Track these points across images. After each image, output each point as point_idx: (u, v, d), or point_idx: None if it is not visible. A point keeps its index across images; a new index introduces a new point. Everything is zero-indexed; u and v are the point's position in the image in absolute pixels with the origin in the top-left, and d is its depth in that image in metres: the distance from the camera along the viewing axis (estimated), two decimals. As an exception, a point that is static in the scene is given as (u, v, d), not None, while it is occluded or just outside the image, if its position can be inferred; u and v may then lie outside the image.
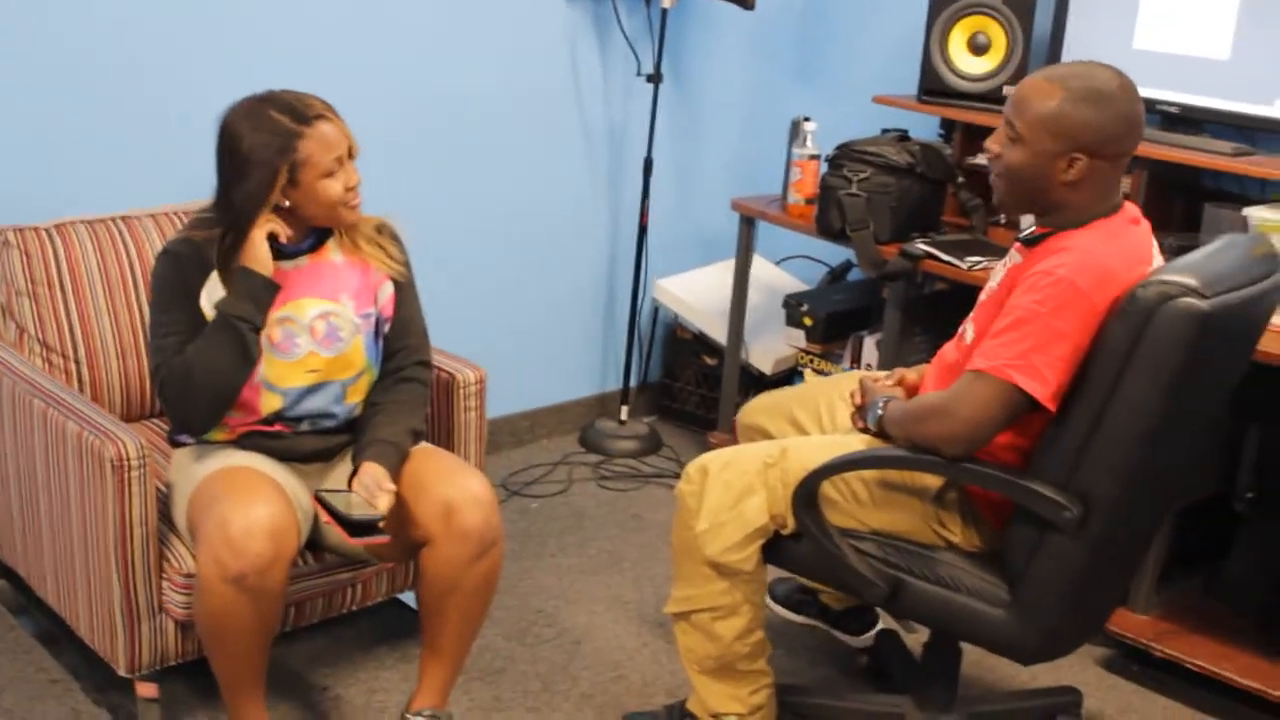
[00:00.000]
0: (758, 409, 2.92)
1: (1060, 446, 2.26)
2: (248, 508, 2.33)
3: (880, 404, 2.47)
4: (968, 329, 2.47)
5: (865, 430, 2.53)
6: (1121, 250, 2.29)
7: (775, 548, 2.51)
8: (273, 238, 2.46)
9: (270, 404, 2.53)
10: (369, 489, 2.44)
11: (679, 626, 2.59)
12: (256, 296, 2.44)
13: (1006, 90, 3.52)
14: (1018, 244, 2.46)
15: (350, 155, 2.48)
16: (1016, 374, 2.21)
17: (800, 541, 2.47)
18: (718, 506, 2.47)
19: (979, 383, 2.25)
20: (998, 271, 2.50)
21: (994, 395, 2.23)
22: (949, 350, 2.54)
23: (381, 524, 2.38)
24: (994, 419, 2.25)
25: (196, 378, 2.42)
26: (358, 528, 2.36)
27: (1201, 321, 2.11)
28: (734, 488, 2.47)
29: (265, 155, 2.38)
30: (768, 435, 2.82)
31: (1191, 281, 2.12)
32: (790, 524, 2.45)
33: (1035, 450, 2.32)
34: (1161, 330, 2.12)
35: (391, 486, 2.45)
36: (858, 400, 2.58)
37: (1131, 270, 2.26)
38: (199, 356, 2.42)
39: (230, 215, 2.43)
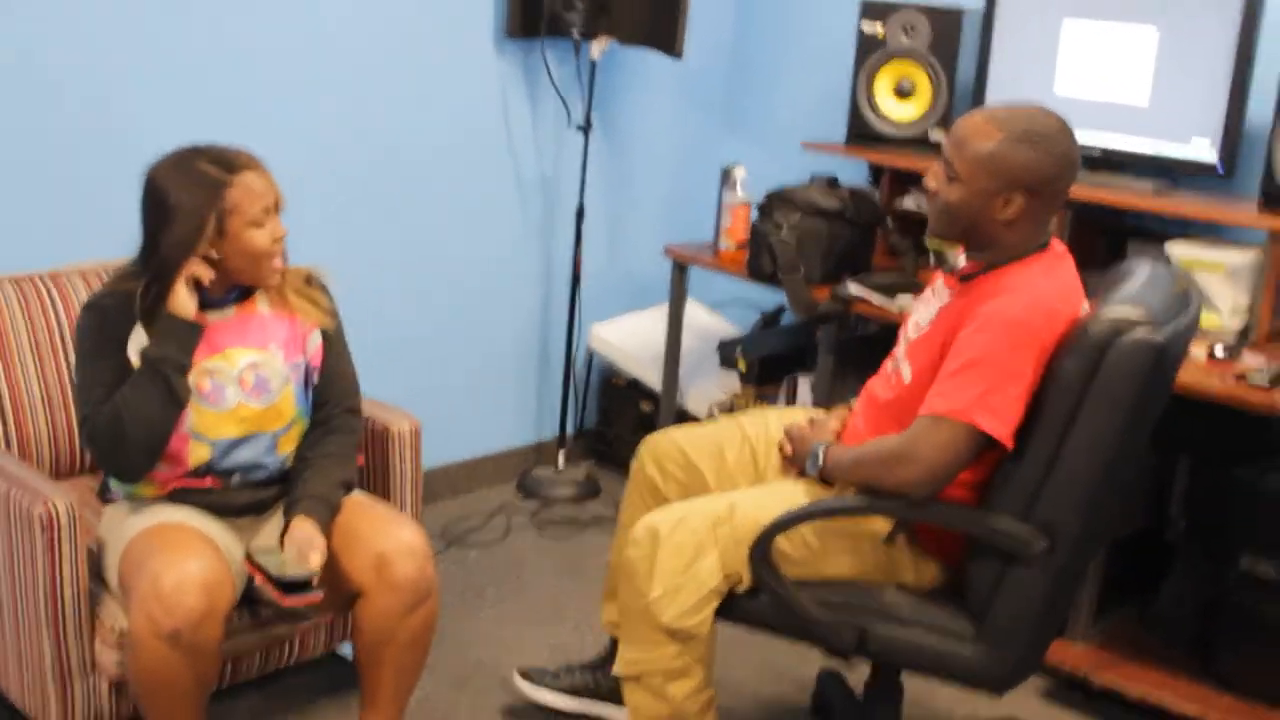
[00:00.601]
0: (684, 439, 2.79)
1: (1018, 481, 2.29)
2: (180, 563, 2.30)
3: (820, 451, 2.47)
4: (903, 367, 2.48)
5: (800, 477, 2.53)
6: (1059, 286, 2.34)
7: (730, 606, 2.46)
8: (200, 289, 2.44)
9: (199, 455, 2.51)
10: (300, 546, 2.42)
11: (628, 686, 2.54)
12: (180, 338, 2.41)
13: (934, 136, 3.60)
14: (947, 278, 2.49)
15: (277, 208, 2.47)
16: (978, 415, 2.24)
17: (757, 598, 2.44)
18: (670, 571, 2.41)
19: (940, 427, 2.27)
20: (924, 308, 2.52)
21: (957, 438, 2.26)
22: (880, 389, 2.55)
23: (314, 581, 2.36)
24: (958, 461, 2.28)
25: (126, 425, 2.39)
26: (290, 587, 2.35)
27: (1157, 353, 2.17)
28: (685, 550, 2.41)
29: (193, 204, 2.37)
30: (691, 466, 2.74)
31: (1140, 315, 2.18)
32: (746, 581, 2.43)
33: (991, 486, 2.35)
34: (1117, 364, 2.16)
35: (323, 543, 2.44)
36: (788, 450, 2.58)
37: (1068, 305, 2.31)
38: (126, 404, 2.39)
39: (155, 264, 2.41)
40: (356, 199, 3.63)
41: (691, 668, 2.47)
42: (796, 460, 2.56)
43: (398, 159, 3.71)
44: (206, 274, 2.43)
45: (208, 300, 2.48)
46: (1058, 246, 2.43)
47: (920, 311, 2.53)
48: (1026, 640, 2.38)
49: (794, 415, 2.78)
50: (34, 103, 3.00)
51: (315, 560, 2.39)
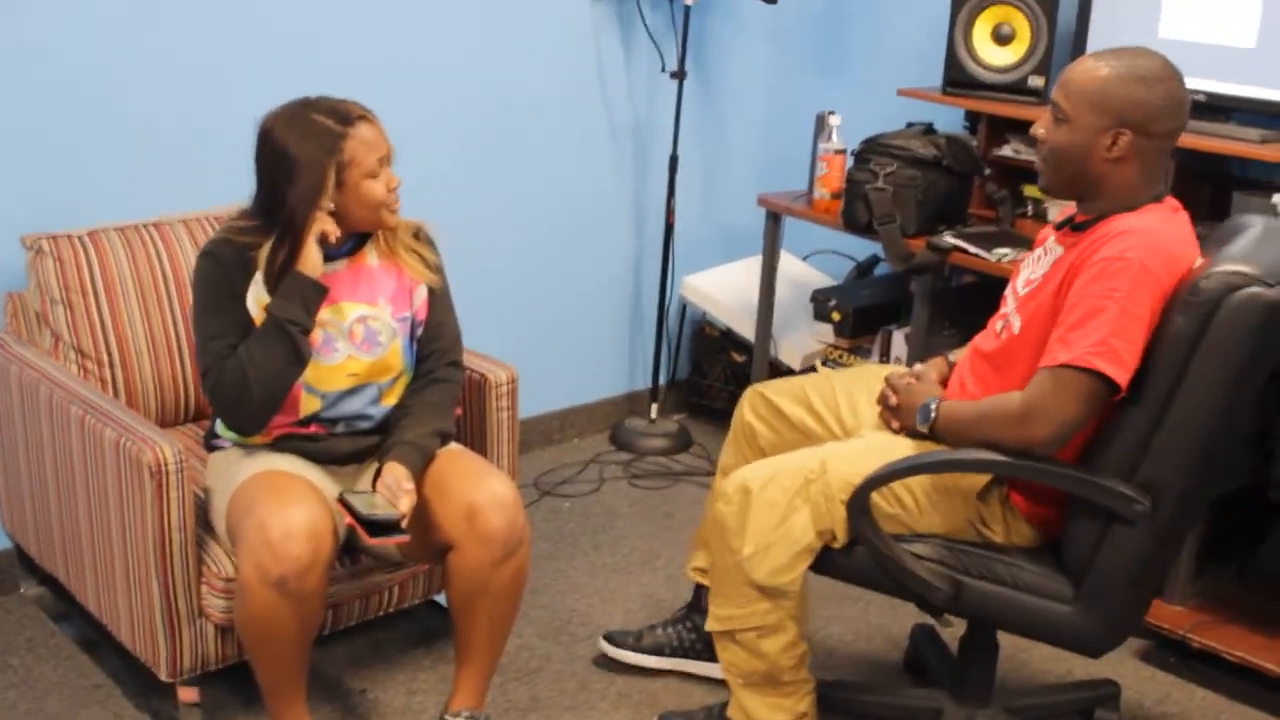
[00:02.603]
0: (776, 390, 2.81)
1: (1124, 439, 2.27)
2: (286, 511, 2.34)
3: (933, 405, 2.43)
4: (1013, 320, 2.44)
5: (903, 431, 2.50)
6: (1177, 234, 2.32)
7: (825, 561, 2.46)
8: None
9: (309, 406, 2.55)
10: (391, 489, 2.45)
11: (720, 642, 2.54)
12: (306, 299, 2.44)
13: (1033, 82, 3.53)
14: (1059, 232, 2.46)
15: (389, 158, 2.49)
16: (1098, 360, 2.21)
17: (851, 553, 2.43)
18: (763, 528, 2.41)
19: (1063, 377, 2.23)
20: (1034, 263, 2.49)
21: (1083, 388, 2.23)
22: (984, 343, 2.52)
23: (402, 524, 2.39)
24: (1087, 413, 2.25)
25: (251, 381, 2.43)
26: (377, 527, 2.38)
27: (1269, 310, 2.14)
28: (778, 506, 2.41)
29: (314, 156, 2.39)
30: (783, 416, 2.76)
31: (1254, 271, 2.15)
32: (841, 537, 2.42)
33: (1095, 444, 2.31)
34: (1229, 320, 2.14)
35: (411, 487, 2.46)
36: (893, 401, 2.54)
37: (1186, 254, 2.29)
38: (252, 360, 2.43)
39: (282, 219, 2.43)
40: (450, 149, 3.64)
41: (785, 624, 2.48)
42: (902, 413, 2.51)
43: (491, 108, 3.71)
44: (334, 231, 2.45)
45: (323, 252, 2.50)
46: (1172, 202, 2.39)
47: (1031, 269, 2.49)
48: (1124, 601, 2.36)
49: (890, 369, 2.76)
50: (135, 54, 3.04)
51: (404, 504, 2.42)
